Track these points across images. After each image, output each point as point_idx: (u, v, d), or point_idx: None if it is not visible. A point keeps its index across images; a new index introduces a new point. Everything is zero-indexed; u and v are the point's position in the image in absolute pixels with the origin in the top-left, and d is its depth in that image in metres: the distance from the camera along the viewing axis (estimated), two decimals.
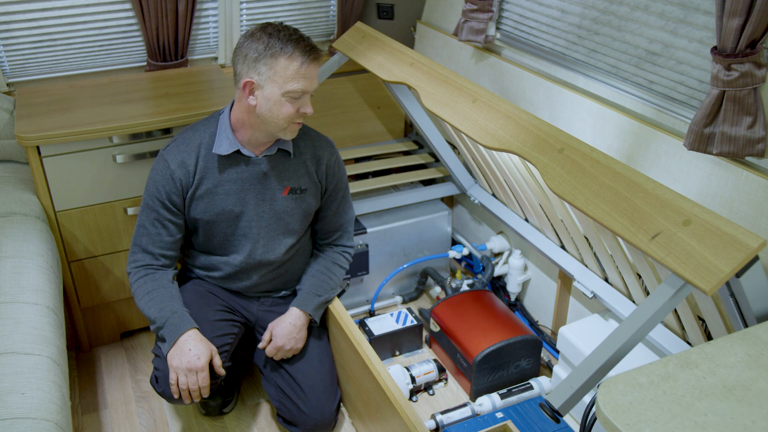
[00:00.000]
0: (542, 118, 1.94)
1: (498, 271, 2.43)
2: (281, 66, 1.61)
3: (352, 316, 2.49)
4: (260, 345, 1.87)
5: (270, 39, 1.62)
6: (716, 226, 1.26)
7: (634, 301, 1.90)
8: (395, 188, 2.63)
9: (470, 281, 2.44)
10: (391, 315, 2.33)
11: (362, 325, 2.29)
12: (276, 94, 1.63)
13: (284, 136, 1.72)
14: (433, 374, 2.15)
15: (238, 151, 1.76)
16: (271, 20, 2.09)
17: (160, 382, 1.75)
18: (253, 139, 1.75)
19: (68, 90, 2.26)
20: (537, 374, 2.18)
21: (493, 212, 2.38)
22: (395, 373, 2.09)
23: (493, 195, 2.44)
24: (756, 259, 1.24)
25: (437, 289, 2.59)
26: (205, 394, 1.70)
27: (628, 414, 0.95)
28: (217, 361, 1.72)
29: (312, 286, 1.91)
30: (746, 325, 1.41)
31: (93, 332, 2.32)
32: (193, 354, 1.67)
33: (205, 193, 1.77)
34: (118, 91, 2.26)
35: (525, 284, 2.45)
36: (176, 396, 1.70)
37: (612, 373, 1.55)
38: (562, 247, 2.13)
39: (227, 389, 2.07)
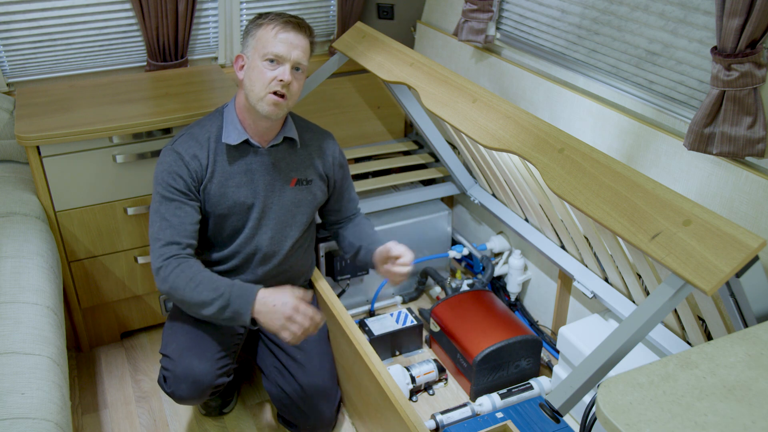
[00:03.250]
0: (542, 118, 1.94)
1: (498, 271, 2.43)
2: (261, 33, 1.67)
3: (352, 316, 2.49)
4: (392, 266, 1.82)
5: (261, 16, 1.71)
6: (716, 226, 1.26)
7: (634, 301, 1.90)
8: (395, 188, 2.63)
9: (470, 281, 2.44)
10: (391, 315, 2.33)
11: (362, 325, 2.29)
12: (256, 60, 1.66)
13: (262, 110, 1.67)
14: (433, 374, 2.15)
15: (246, 142, 1.77)
16: None
17: (169, 381, 1.74)
18: (255, 125, 1.75)
19: (68, 90, 2.26)
20: (537, 374, 2.18)
21: (493, 212, 2.38)
22: (395, 373, 2.09)
23: (493, 195, 2.44)
24: (756, 259, 1.24)
25: (437, 289, 2.59)
26: (318, 317, 1.62)
27: (628, 414, 0.95)
28: (298, 292, 1.64)
29: (378, 240, 1.95)
30: (746, 325, 1.41)
31: (93, 332, 2.32)
32: (280, 301, 1.59)
33: (216, 187, 1.76)
34: (118, 91, 2.26)
35: (525, 284, 2.45)
36: (294, 337, 1.61)
37: (612, 373, 1.55)
38: (562, 247, 2.13)
39: (227, 389, 2.07)
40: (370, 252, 1.92)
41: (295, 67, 1.68)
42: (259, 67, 1.65)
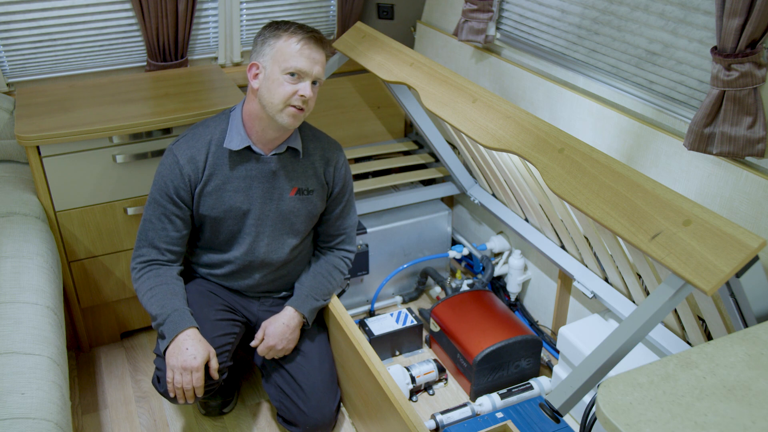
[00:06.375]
0: (542, 118, 1.94)
1: (498, 271, 2.43)
2: (281, 44, 1.66)
3: (352, 316, 2.49)
4: (253, 343, 1.88)
5: (279, 26, 1.69)
6: (716, 226, 1.26)
7: (634, 301, 1.90)
8: (395, 188, 2.63)
9: (470, 281, 2.44)
10: (391, 315, 2.33)
11: (362, 325, 2.29)
12: (275, 72, 1.66)
13: (281, 121, 1.68)
14: (433, 374, 2.15)
15: (248, 148, 1.77)
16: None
17: (162, 381, 1.75)
18: (263, 133, 1.75)
19: (68, 90, 2.26)
20: (537, 374, 2.18)
21: (493, 212, 2.38)
22: (395, 373, 2.09)
23: (493, 195, 2.44)
24: (756, 259, 1.24)
25: (437, 289, 2.59)
26: (199, 394, 1.70)
27: (628, 414, 0.95)
28: (214, 364, 1.71)
29: (311, 289, 1.91)
30: (746, 325, 1.41)
31: (93, 332, 2.32)
32: (189, 353, 1.67)
33: (213, 190, 1.77)
34: (118, 91, 2.26)
35: (525, 284, 2.45)
36: (171, 395, 1.70)
37: (612, 373, 1.55)
38: (562, 247, 2.13)
39: (227, 389, 2.07)
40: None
41: (314, 81, 1.69)
42: (280, 80, 1.65)
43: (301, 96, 1.65)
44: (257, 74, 1.70)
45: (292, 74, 1.65)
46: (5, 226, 1.87)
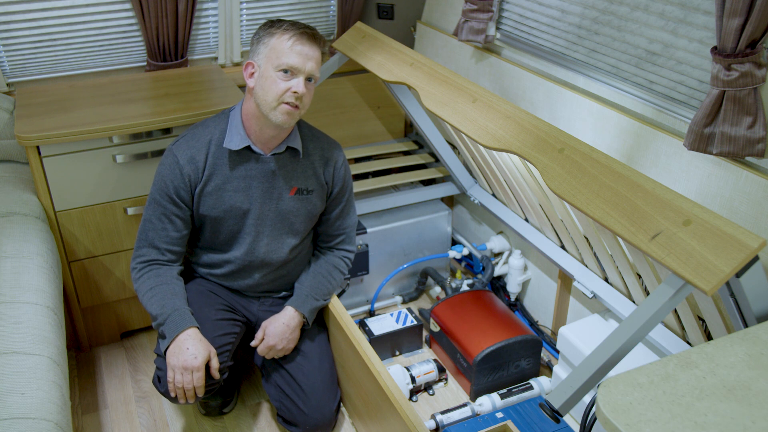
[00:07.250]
0: (542, 118, 1.94)
1: (498, 271, 2.43)
2: (274, 41, 1.66)
3: (352, 316, 2.49)
4: (253, 343, 1.88)
5: (273, 24, 1.69)
6: (716, 226, 1.26)
7: (634, 301, 1.90)
8: (395, 188, 2.63)
9: (470, 281, 2.44)
10: (391, 315, 2.33)
11: (362, 325, 2.29)
12: (269, 70, 1.65)
13: (275, 119, 1.67)
14: (433, 374, 2.15)
15: (248, 148, 1.77)
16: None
17: (163, 381, 1.75)
18: (260, 133, 1.75)
19: (68, 90, 2.26)
20: (537, 374, 2.18)
21: (493, 212, 2.38)
22: (395, 373, 2.09)
23: (493, 195, 2.44)
24: (756, 259, 1.24)
25: (437, 289, 2.59)
26: (200, 394, 1.70)
27: (628, 414, 0.95)
28: (215, 364, 1.71)
29: (311, 288, 1.91)
30: (746, 325, 1.41)
31: (93, 332, 2.32)
32: (190, 353, 1.67)
33: (213, 190, 1.77)
34: (118, 91, 2.26)
35: (525, 284, 2.45)
36: (173, 394, 1.70)
37: (612, 373, 1.55)
38: (562, 247, 2.13)
39: (227, 389, 2.07)
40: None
41: (308, 78, 1.68)
42: (273, 77, 1.65)
43: (294, 92, 1.65)
44: (253, 73, 1.70)
45: (285, 71, 1.64)
46: (5, 226, 1.87)
